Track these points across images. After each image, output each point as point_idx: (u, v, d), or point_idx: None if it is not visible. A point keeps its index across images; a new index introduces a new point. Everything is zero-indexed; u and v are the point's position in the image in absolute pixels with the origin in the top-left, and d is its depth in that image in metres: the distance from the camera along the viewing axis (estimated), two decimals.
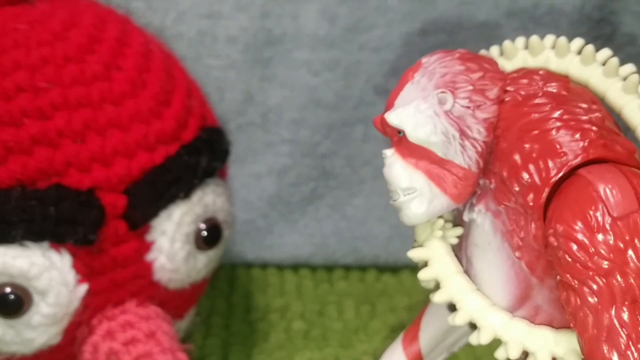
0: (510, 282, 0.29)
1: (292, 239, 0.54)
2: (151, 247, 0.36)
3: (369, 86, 0.51)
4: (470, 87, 0.28)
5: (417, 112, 0.28)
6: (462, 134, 0.28)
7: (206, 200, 0.38)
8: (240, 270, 0.54)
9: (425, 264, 0.31)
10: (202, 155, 0.37)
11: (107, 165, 0.34)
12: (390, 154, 0.29)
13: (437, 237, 0.30)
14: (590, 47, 0.30)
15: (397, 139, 0.28)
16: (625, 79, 0.29)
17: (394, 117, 0.28)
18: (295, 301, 0.50)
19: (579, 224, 0.25)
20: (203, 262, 0.38)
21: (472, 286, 0.29)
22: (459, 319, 0.29)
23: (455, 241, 0.31)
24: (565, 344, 0.28)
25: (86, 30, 0.36)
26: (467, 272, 0.30)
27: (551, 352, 0.28)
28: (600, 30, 0.50)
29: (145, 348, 0.35)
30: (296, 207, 0.54)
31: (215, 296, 0.50)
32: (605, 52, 0.30)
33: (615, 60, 0.29)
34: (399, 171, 0.28)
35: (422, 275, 0.30)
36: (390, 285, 0.53)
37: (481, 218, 0.29)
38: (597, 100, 0.29)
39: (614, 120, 0.29)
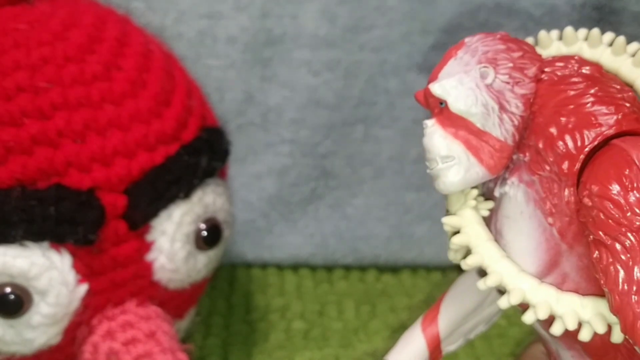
0: (540, 248, 0.30)
1: (292, 239, 0.54)
2: (151, 247, 0.36)
3: (369, 86, 0.51)
4: (511, 65, 0.30)
5: (460, 84, 0.29)
6: (501, 107, 0.29)
7: (206, 200, 0.38)
8: (240, 270, 0.54)
9: (456, 233, 0.31)
10: (202, 155, 0.37)
11: (107, 165, 0.34)
12: (431, 124, 0.30)
13: (470, 207, 0.31)
14: (621, 39, 0.31)
15: (439, 110, 0.30)
16: None
17: (438, 88, 0.29)
18: (295, 301, 0.50)
19: (614, 184, 0.26)
20: (203, 262, 0.38)
21: (502, 253, 0.30)
22: (490, 281, 0.30)
23: (486, 213, 0.32)
24: (592, 308, 0.28)
25: (86, 30, 0.36)
26: (504, 242, 0.31)
27: (578, 315, 0.28)
28: (600, 30, 0.50)
29: (145, 348, 0.35)
30: (296, 207, 0.54)
31: (215, 296, 0.50)
32: (635, 45, 0.31)
33: None
34: (439, 140, 0.30)
35: (455, 240, 0.31)
36: (390, 285, 0.53)
37: (514, 190, 0.30)
38: (628, 86, 0.30)
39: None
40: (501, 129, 0.29)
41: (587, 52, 0.32)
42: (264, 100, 0.51)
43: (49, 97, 0.34)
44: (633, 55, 0.31)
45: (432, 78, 0.30)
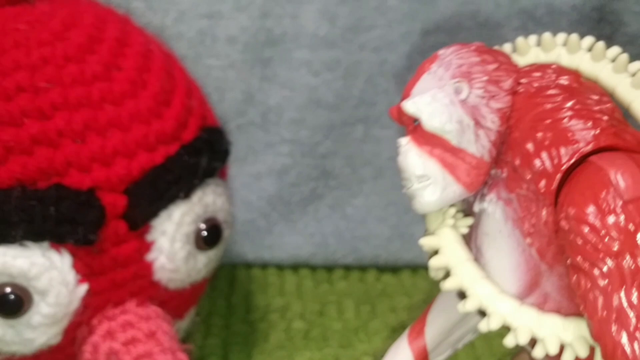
0: (520, 269, 0.29)
1: (292, 239, 0.54)
2: (151, 247, 0.36)
3: (369, 86, 0.51)
4: (486, 78, 0.29)
5: (434, 100, 0.28)
6: (477, 123, 0.28)
7: (206, 200, 0.38)
8: (240, 270, 0.54)
9: (435, 253, 0.31)
10: (202, 155, 0.37)
11: (107, 165, 0.34)
12: (405, 142, 0.29)
13: (448, 226, 0.31)
14: (600, 44, 0.30)
15: (413, 127, 0.29)
16: (634, 75, 0.30)
17: (411, 105, 0.29)
18: (295, 301, 0.50)
19: (591, 206, 0.26)
20: (203, 262, 0.38)
21: (482, 273, 0.30)
22: (469, 305, 0.29)
23: (466, 231, 0.31)
24: (574, 330, 0.28)
25: (86, 30, 0.36)
26: (476, 261, 0.30)
27: (559, 338, 0.28)
28: (600, 30, 0.50)
29: (145, 348, 0.35)
30: (296, 207, 0.54)
31: (215, 296, 0.50)
32: (615, 49, 0.30)
33: (625, 56, 0.30)
34: (414, 159, 0.29)
35: (433, 262, 0.31)
36: (390, 285, 0.53)
37: (492, 207, 0.30)
38: (607, 94, 0.29)
39: (622, 113, 0.29)
40: (477, 145, 0.29)
41: (566, 58, 0.31)
42: (264, 100, 0.51)
43: (49, 97, 0.34)
44: (613, 60, 0.30)
45: (406, 94, 0.29)
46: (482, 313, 0.29)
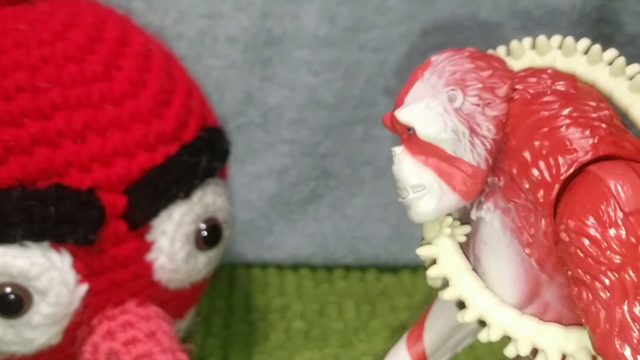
0: (519, 279, 0.29)
1: (292, 239, 0.54)
2: (151, 247, 0.36)
3: (369, 86, 0.51)
4: (480, 85, 0.28)
5: (428, 109, 0.28)
6: (472, 131, 0.28)
7: (206, 200, 0.38)
8: (240, 270, 0.54)
9: (433, 262, 0.30)
10: (202, 155, 0.37)
11: (107, 165, 0.34)
12: (399, 151, 0.29)
13: (446, 235, 0.30)
14: (597, 47, 0.30)
15: (407, 136, 0.28)
16: (631, 78, 0.29)
17: (404, 114, 0.28)
18: (295, 301, 0.50)
19: (591, 219, 0.25)
20: (203, 262, 0.38)
21: (481, 283, 0.29)
22: (469, 316, 0.29)
23: (463, 239, 0.31)
24: (575, 340, 0.28)
25: (86, 30, 0.36)
26: (475, 270, 0.30)
27: (561, 349, 0.28)
28: (600, 30, 0.50)
29: (146, 348, 0.35)
30: (296, 207, 0.54)
31: (215, 296, 0.50)
32: (612, 52, 0.30)
33: (621, 60, 0.29)
34: (409, 168, 0.28)
35: (431, 272, 0.30)
36: (390, 285, 0.53)
37: (490, 216, 0.29)
38: (604, 99, 0.29)
39: (621, 119, 0.29)
40: (473, 154, 0.28)
41: (562, 61, 0.30)
42: (264, 100, 0.51)
43: (49, 97, 0.34)
44: (610, 63, 0.30)
45: (399, 102, 0.29)
46: (483, 323, 0.29)
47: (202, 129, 0.38)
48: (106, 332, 0.35)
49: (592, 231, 0.25)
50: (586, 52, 0.30)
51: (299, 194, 0.53)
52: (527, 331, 0.28)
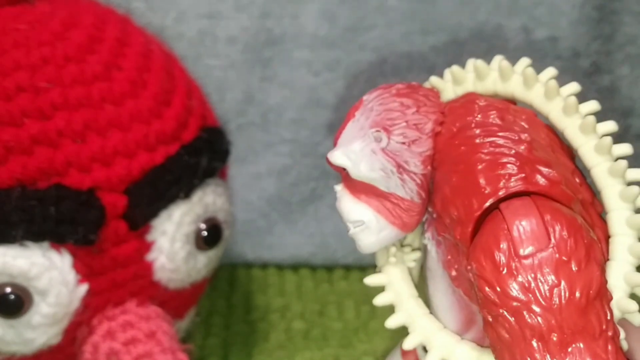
0: (454, 307, 0.30)
1: (292, 239, 0.54)
2: (151, 247, 0.36)
3: (369, 86, 0.51)
4: (404, 124, 0.29)
5: (356, 151, 0.29)
6: (400, 168, 0.29)
7: (206, 200, 0.38)
8: (240, 270, 0.54)
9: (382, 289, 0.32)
10: (202, 155, 0.37)
11: (107, 165, 0.34)
12: (339, 189, 0.30)
13: (391, 264, 0.32)
14: (529, 70, 0.30)
15: (344, 174, 0.29)
16: (566, 99, 0.29)
17: (335, 157, 0.29)
18: (295, 301, 0.50)
19: (489, 263, 0.26)
20: (203, 262, 0.38)
21: (424, 310, 0.31)
22: (411, 341, 0.30)
23: (412, 264, 0.32)
24: None
25: (86, 30, 0.36)
26: (426, 293, 0.31)
27: None
28: (600, 30, 0.50)
29: (146, 348, 0.35)
30: (296, 207, 0.54)
31: (215, 296, 0.50)
32: (549, 71, 0.30)
33: (553, 83, 0.29)
34: (348, 206, 0.30)
35: (377, 301, 0.32)
36: None
37: (430, 245, 0.30)
38: (535, 124, 0.29)
39: (553, 143, 0.29)
40: (405, 189, 0.29)
41: (500, 85, 0.30)
42: (264, 100, 0.51)
43: (49, 97, 0.34)
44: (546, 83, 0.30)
45: (335, 143, 0.30)
46: (426, 349, 0.30)
47: (202, 129, 0.38)
48: (106, 332, 0.35)
49: (489, 276, 0.26)
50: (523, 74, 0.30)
51: (299, 194, 0.53)
52: (464, 356, 0.29)
